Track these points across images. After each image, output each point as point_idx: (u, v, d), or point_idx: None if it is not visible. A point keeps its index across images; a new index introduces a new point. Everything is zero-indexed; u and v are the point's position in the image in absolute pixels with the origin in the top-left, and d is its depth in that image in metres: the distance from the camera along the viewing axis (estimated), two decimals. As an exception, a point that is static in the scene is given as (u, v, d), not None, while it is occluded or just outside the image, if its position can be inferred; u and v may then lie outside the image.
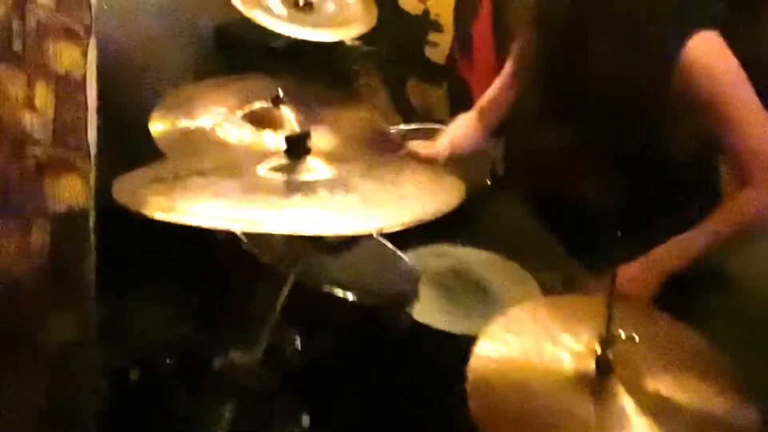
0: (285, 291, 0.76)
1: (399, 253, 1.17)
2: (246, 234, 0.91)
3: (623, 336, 0.78)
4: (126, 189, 0.70)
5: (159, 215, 0.64)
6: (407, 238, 1.36)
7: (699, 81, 1.06)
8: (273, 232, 0.67)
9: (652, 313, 0.89)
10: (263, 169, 0.79)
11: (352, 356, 0.97)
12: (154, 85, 1.54)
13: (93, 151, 1.03)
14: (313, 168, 0.79)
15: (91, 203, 0.98)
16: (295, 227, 0.64)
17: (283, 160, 0.80)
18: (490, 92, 1.45)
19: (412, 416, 1.01)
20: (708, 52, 1.08)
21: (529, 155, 1.42)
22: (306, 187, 0.73)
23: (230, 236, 0.92)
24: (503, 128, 1.59)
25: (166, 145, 1.27)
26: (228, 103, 1.49)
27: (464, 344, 0.88)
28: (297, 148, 0.78)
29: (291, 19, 1.64)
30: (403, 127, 1.81)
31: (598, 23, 1.13)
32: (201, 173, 0.75)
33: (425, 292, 1.19)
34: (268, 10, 1.64)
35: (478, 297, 1.21)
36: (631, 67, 1.11)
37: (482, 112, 1.45)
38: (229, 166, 0.83)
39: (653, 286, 1.04)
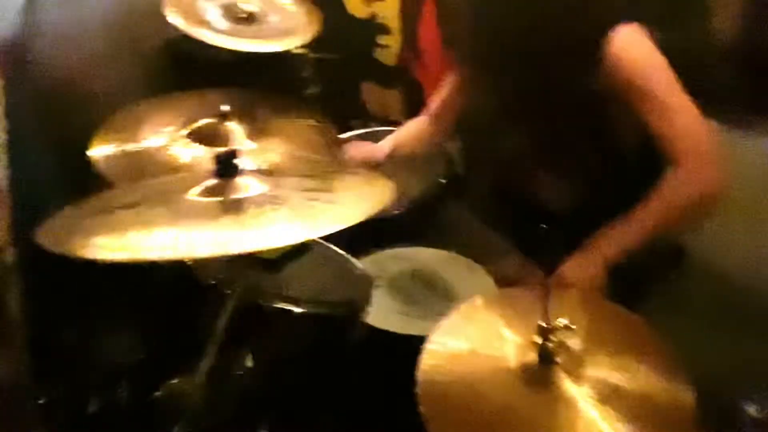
0: (226, 311, 0.76)
1: (352, 260, 1.17)
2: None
3: (562, 325, 0.79)
4: (49, 230, 0.70)
5: (84, 254, 0.63)
6: (365, 244, 1.38)
7: (624, 71, 1.10)
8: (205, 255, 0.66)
9: (590, 300, 0.91)
10: (195, 193, 0.79)
11: (307, 368, 0.97)
12: (99, 108, 1.52)
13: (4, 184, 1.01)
14: (245, 186, 0.79)
15: (7, 238, 0.95)
16: (221, 248, 0.64)
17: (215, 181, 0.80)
18: (440, 96, 1.46)
19: (372, 422, 1.01)
20: (630, 43, 1.11)
21: (485, 154, 1.44)
22: (234, 207, 0.73)
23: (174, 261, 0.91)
24: (460, 128, 1.62)
25: (109, 171, 1.25)
26: (175, 121, 1.48)
27: (420, 345, 0.89)
28: (226, 167, 0.78)
29: (233, 33, 1.63)
30: (355, 132, 1.82)
31: (528, 27, 1.15)
32: (127, 206, 0.75)
33: (381, 297, 1.20)
34: (208, 24, 1.63)
35: (435, 296, 1.22)
36: (563, 65, 1.14)
37: (433, 117, 1.47)
38: (160, 193, 0.82)
39: (598, 275, 1.07)
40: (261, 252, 0.80)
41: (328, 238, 1.19)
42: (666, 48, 1.12)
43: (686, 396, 0.75)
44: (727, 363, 1.20)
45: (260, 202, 0.73)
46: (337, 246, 1.19)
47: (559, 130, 1.20)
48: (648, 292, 1.28)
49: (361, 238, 1.43)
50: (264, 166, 1.33)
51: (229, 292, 0.78)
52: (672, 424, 0.72)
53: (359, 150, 1.41)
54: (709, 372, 0.91)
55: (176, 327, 0.96)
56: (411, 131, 1.47)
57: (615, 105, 1.14)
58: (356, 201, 0.77)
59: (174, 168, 1.31)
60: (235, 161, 0.79)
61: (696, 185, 1.07)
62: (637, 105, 1.11)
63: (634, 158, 1.21)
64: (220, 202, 0.75)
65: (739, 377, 1.16)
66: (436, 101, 1.47)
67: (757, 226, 1.39)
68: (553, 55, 1.14)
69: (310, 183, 0.85)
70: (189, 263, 0.91)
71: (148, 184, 0.92)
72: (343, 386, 1.02)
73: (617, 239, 1.08)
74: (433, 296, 1.22)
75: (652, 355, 0.81)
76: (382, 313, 1.13)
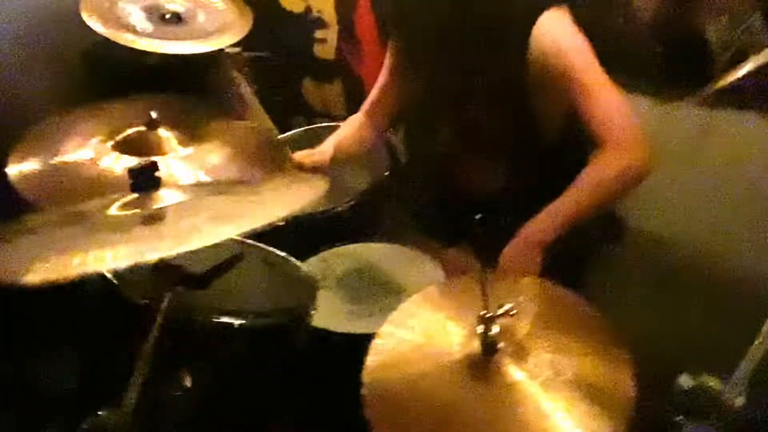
0: (153, 332, 0.72)
1: (295, 262, 1.14)
2: (115, 275, 0.86)
3: (501, 312, 0.79)
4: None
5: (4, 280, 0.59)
6: (312, 243, 1.35)
7: (550, 54, 1.11)
8: (130, 269, 0.62)
9: (531, 283, 0.91)
10: (114, 207, 0.74)
11: (253, 382, 0.94)
12: (16, 122, 1.42)
13: None
14: (165, 197, 0.75)
15: None
16: (136, 257, 0.60)
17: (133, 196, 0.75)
18: (374, 92, 1.45)
19: (325, 428, 1.00)
20: (556, 27, 1.13)
21: (423, 143, 1.44)
22: (152, 218, 0.70)
23: (100, 281, 0.86)
24: (401, 117, 1.61)
25: (28, 190, 1.17)
26: (101, 132, 1.40)
27: (368, 344, 0.87)
28: (143, 181, 0.73)
29: (159, 34, 1.57)
30: (297, 130, 1.78)
31: (458, 17, 1.15)
32: (30, 231, 0.70)
33: (328, 297, 1.18)
34: (131, 27, 1.55)
35: (383, 292, 1.21)
36: (493, 53, 1.15)
37: (369, 114, 1.46)
38: (74, 212, 0.77)
39: (534, 260, 1.08)
40: (188, 267, 0.76)
41: (271, 241, 1.17)
42: (589, 26, 1.13)
43: (627, 374, 0.76)
44: (666, 332, 1.24)
45: (181, 210, 0.70)
46: (282, 248, 1.16)
47: (489, 116, 1.20)
48: (590, 267, 1.31)
49: (307, 238, 1.42)
50: (199, 173, 1.28)
51: (157, 311, 0.74)
52: (614, 401, 0.73)
53: (304, 156, 1.38)
54: (649, 342, 0.93)
55: (109, 352, 0.91)
56: (350, 131, 1.45)
57: (543, 89, 1.15)
58: (282, 198, 0.74)
59: (101, 182, 1.25)
60: (156, 174, 0.75)
61: (622, 163, 1.09)
62: (562, 88, 1.12)
63: (563, 142, 1.23)
64: (139, 214, 0.71)
65: (677, 346, 1.20)
66: (370, 98, 1.46)
67: (688, 195, 1.44)
68: (482, 41, 1.14)
69: (235, 187, 0.81)
70: (116, 283, 0.87)
71: (67, 203, 0.86)
72: (293, 396, 1.00)
73: (550, 222, 1.09)
74: (380, 292, 1.21)
75: (593, 334, 0.82)
76: (329, 315, 1.11)
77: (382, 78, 1.43)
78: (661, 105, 1.34)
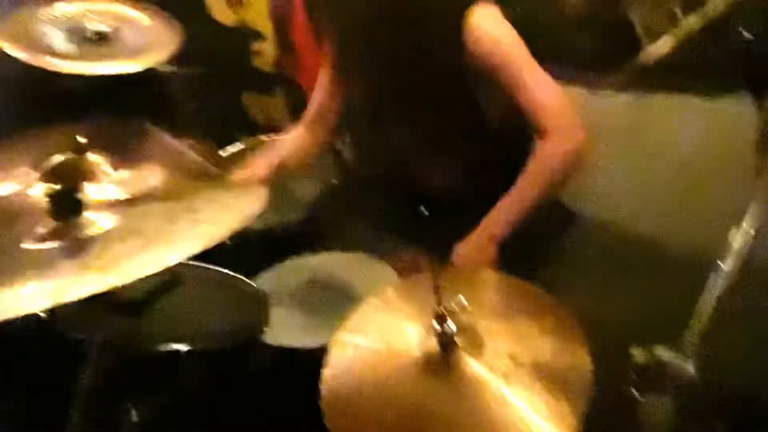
0: (89, 367, 0.67)
1: (244, 279, 1.10)
2: (47, 311, 0.80)
3: (455, 307, 0.78)
4: None
5: None
6: (263, 259, 1.31)
7: (484, 48, 1.13)
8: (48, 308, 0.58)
9: (484, 274, 0.91)
10: (33, 239, 0.69)
11: (207, 408, 0.89)
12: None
13: None
14: (92, 222, 0.70)
15: None
16: (58, 298, 0.56)
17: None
18: (312, 106, 1.43)
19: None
20: (487, 20, 1.14)
21: (372, 149, 1.43)
22: (75, 248, 0.65)
23: (31, 320, 0.80)
24: (346, 123, 1.59)
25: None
26: (23, 162, 1.32)
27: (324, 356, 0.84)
28: (62, 206, 0.68)
29: (83, 56, 1.50)
30: (236, 146, 1.74)
31: (388, 17, 1.15)
32: None
33: (281, 312, 1.14)
34: (50, 50, 1.48)
35: (338, 302, 1.18)
36: (428, 51, 1.15)
37: (309, 126, 1.43)
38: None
39: (489, 254, 1.09)
40: (119, 294, 0.71)
41: (219, 259, 1.12)
42: (520, 19, 1.15)
43: (584, 355, 0.76)
44: (619, 311, 1.27)
45: (107, 237, 0.65)
46: (232, 266, 1.12)
47: (435, 117, 1.21)
48: (542, 253, 1.33)
49: (258, 253, 1.38)
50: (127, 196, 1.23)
51: (91, 344, 0.69)
52: (573, 383, 0.73)
53: (244, 175, 1.35)
54: (604, 324, 0.94)
55: (46, 393, 0.85)
56: (292, 144, 1.42)
57: (482, 81, 1.16)
58: (222, 217, 0.71)
59: (30, 214, 1.18)
60: (77, 197, 0.70)
61: (563, 149, 1.11)
62: (500, 80, 1.14)
63: (508, 132, 1.24)
64: (60, 246, 0.66)
65: (629, 323, 1.23)
66: (309, 111, 1.44)
67: (627, 178, 1.48)
68: (417, 38, 1.14)
69: (171, 205, 0.77)
70: (47, 319, 0.81)
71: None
72: (253, 419, 0.95)
73: (503, 217, 1.11)
74: (336, 302, 1.18)
75: (548, 319, 0.82)
76: (285, 330, 1.07)
77: (319, 90, 1.42)
78: (594, 93, 1.38)
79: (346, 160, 1.67)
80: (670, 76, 1.33)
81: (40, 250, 0.67)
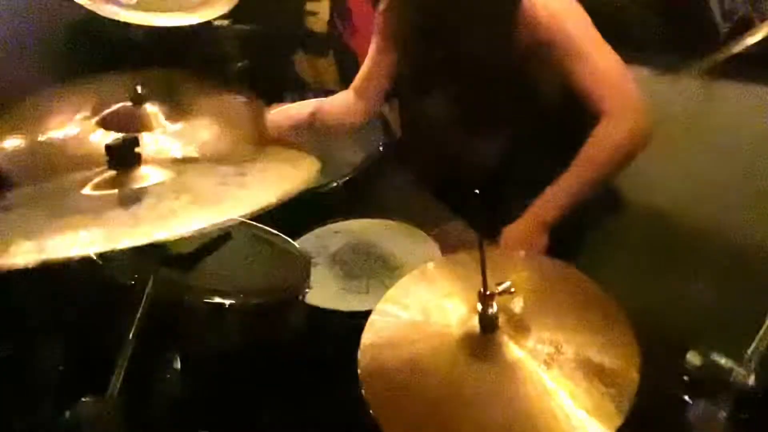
0: (138, 314, 0.69)
1: (288, 240, 1.11)
2: (100, 256, 0.83)
3: (500, 289, 0.76)
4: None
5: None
6: (306, 220, 1.32)
7: (542, 21, 1.08)
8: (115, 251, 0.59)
9: (530, 259, 0.88)
10: (89, 186, 0.71)
11: (245, 362, 0.92)
12: (1, 98, 1.38)
13: None
14: (146, 175, 0.71)
15: None
16: (107, 244, 0.57)
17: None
18: (363, 70, 1.42)
19: (322, 406, 0.98)
20: (555, 2, 1.08)
21: (419, 120, 1.40)
22: (129, 198, 0.66)
23: (85, 261, 0.83)
24: (394, 92, 1.56)
25: (12, 167, 1.14)
26: (85, 108, 1.36)
27: (363, 322, 0.85)
28: (121, 157, 0.70)
29: (143, 6, 1.51)
30: (288, 104, 1.73)
31: None
32: (4, 209, 0.66)
33: (323, 274, 1.15)
34: (115, 0, 1.50)
35: (378, 268, 1.18)
36: (484, 24, 1.11)
37: (358, 91, 1.42)
38: (54, 189, 0.74)
39: (539, 240, 1.07)
40: (172, 246, 0.73)
41: (264, 218, 1.14)
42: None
43: (632, 350, 0.73)
44: (672, 308, 1.22)
45: (161, 191, 0.66)
46: (275, 225, 1.13)
47: (483, 92, 1.17)
48: (588, 239, 1.29)
49: (301, 214, 1.38)
50: (188, 149, 1.24)
51: (141, 292, 0.71)
52: (618, 379, 0.71)
53: (281, 115, 1.34)
54: (655, 318, 0.91)
55: (96, 334, 0.88)
56: (337, 103, 1.41)
57: (537, 60, 1.12)
58: (271, 183, 0.70)
59: (87, 159, 1.21)
60: (137, 150, 0.71)
61: (623, 134, 1.06)
62: (558, 59, 1.09)
63: (562, 114, 1.19)
64: (117, 194, 0.67)
65: (683, 322, 1.18)
66: (359, 76, 1.42)
67: (691, 167, 1.40)
68: (473, 15, 1.09)
69: (223, 167, 0.77)
70: (101, 264, 0.83)
71: (44, 180, 0.82)
72: (287, 376, 0.97)
73: (555, 201, 1.08)
74: (376, 269, 1.18)
75: (595, 310, 0.80)
76: (324, 292, 1.08)
77: (370, 56, 1.40)
78: (662, 77, 1.30)
79: (391, 129, 1.65)
80: (738, 63, 1.24)
81: (97, 197, 0.69)
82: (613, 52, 1.08)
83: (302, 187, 0.72)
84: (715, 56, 0.97)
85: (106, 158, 0.71)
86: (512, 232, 1.08)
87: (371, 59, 1.39)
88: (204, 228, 0.60)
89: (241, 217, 0.65)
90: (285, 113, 1.38)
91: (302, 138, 1.36)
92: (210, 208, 0.64)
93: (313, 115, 1.36)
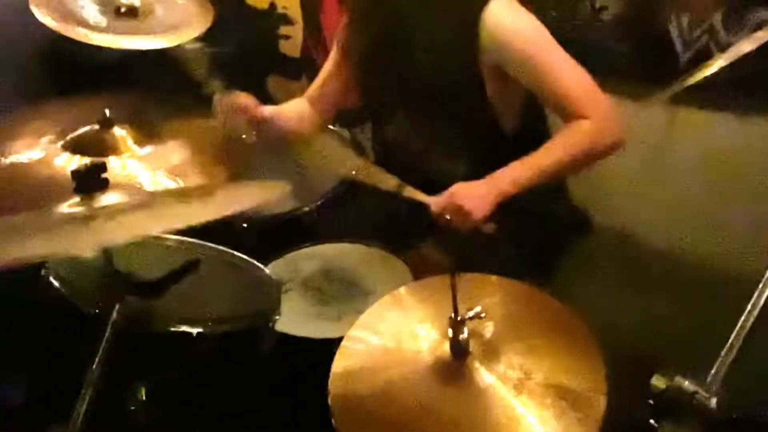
0: (103, 344, 0.67)
1: (258, 265, 1.10)
2: (63, 284, 0.81)
3: (471, 315, 0.77)
4: None
5: None
6: (278, 245, 1.31)
7: (506, 39, 1.08)
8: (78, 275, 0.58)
9: (502, 283, 0.89)
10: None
11: (213, 392, 0.90)
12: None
13: None
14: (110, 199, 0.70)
15: None
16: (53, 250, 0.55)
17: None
18: (317, 79, 1.42)
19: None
20: (507, 12, 1.10)
21: (388, 142, 1.41)
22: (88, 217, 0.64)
23: (49, 289, 0.81)
24: (364, 115, 1.58)
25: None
26: (51, 131, 1.33)
27: (334, 349, 0.84)
28: (87, 183, 0.68)
29: (114, 29, 1.50)
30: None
31: (408, 12, 1.12)
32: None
33: (295, 300, 1.14)
34: (84, 22, 1.48)
35: (350, 294, 1.18)
36: (444, 44, 1.11)
37: (311, 100, 1.42)
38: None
39: (490, 204, 1.04)
40: (137, 275, 0.71)
41: (236, 243, 1.12)
42: (554, 25, 1.12)
43: (599, 375, 0.74)
44: (639, 328, 1.25)
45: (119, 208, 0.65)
46: (247, 250, 1.12)
47: (445, 114, 1.17)
48: (559, 262, 1.31)
49: (272, 239, 1.37)
50: (158, 172, 1.23)
51: (106, 321, 0.70)
52: (587, 403, 0.72)
53: (237, 101, 1.32)
54: (622, 340, 0.92)
55: (59, 365, 0.85)
56: (293, 108, 1.41)
57: (498, 79, 1.12)
58: (232, 197, 0.70)
59: (52, 183, 1.18)
60: (103, 175, 0.70)
61: (601, 135, 1.07)
62: (527, 75, 1.09)
63: (522, 132, 1.20)
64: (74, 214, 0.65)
65: (650, 343, 1.20)
66: (313, 84, 1.42)
67: (656, 190, 1.45)
68: (435, 38, 1.11)
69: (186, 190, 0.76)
70: (66, 293, 0.81)
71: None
72: (259, 404, 0.95)
73: (514, 175, 1.06)
74: (348, 293, 1.17)
75: (564, 334, 0.80)
76: (295, 318, 1.07)
77: (326, 67, 1.39)
78: (626, 102, 1.35)
79: (364, 151, 1.66)
80: (707, 91, 1.30)
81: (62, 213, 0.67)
82: (575, 61, 1.09)
83: (274, 204, 0.71)
84: (675, 84, 1.01)
85: (73, 183, 0.70)
86: (464, 188, 1.05)
87: (326, 71, 1.39)
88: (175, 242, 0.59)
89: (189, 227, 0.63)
90: (244, 103, 1.33)
91: (249, 136, 1.34)
92: (156, 218, 0.63)
93: (269, 119, 1.34)
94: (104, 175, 0.71)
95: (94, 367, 0.66)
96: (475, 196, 1.04)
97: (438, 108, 1.17)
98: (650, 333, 1.25)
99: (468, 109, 1.16)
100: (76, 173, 0.68)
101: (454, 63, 1.12)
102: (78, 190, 0.69)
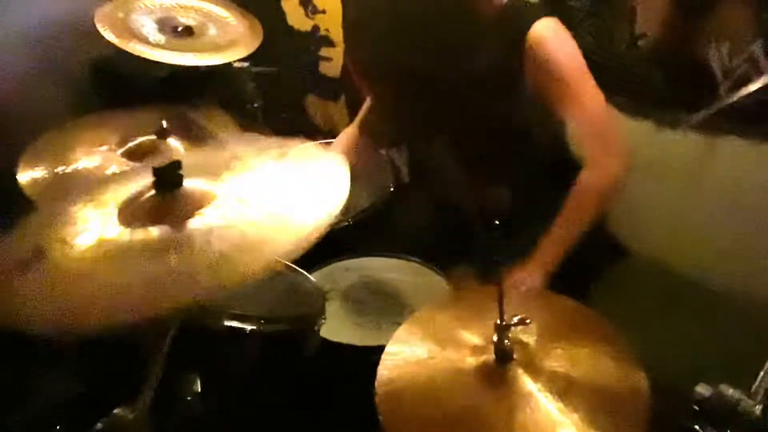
0: (168, 334, 0.72)
1: (304, 273, 1.14)
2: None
3: (516, 321, 0.80)
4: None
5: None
6: (316, 256, 1.35)
7: (543, 58, 1.11)
8: None
9: (543, 295, 0.92)
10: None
11: (261, 388, 0.93)
12: (26, 129, 1.43)
13: None
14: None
15: None
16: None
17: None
18: (363, 110, 1.46)
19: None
20: (550, 33, 1.13)
21: (426, 163, 1.44)
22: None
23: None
24: (403, 136, 1.62)
25: (38, 196, 1.18)
26: (109, 140, 1.41)
27: (376, 356, 0.87)
28: (167, 179, 0.74)
29: (170, 47, 1.59)
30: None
31: (434, 42, 1.10)
32: (63, 241, 0.69)
33: (335, 309, 1.17)
34: (144, 39, 1.58)
35: (389, 305, 1.21)
36: (490, 70, 1.13)
37: (362, 126, 1.46)
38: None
39: (543, 286, 1.09)
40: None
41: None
42: (591, 50, 1.15)
43: (641, 383, 0.76)
44: (678, 352, 1.25)
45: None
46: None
47: (483, 140, 1.21)
48: (591, 288, 1.32)
49: (312, 251, 1.41)
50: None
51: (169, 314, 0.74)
52: (628, 411, 0.73)
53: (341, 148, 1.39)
54: (662, 361, 0.93)
55: (117, 355, 0.90)
56: (345, 141, 1.45)
57: (535, 105, 1.16)
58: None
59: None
60: (179, 172, 0.75)
61: (605, 181, 1.12)
62: (554, 97, 1.12)
63: (555, 157, 1.23)
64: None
65: (687, 363, 1.20)
66: (360, 114, 1.46)
67: (690, 218, 1.45)
68: (479, 62, 1.12)
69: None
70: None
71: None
72: (299, 404, 0.98)
73: (552, 248, 1.11)
74: (386, 305, 1.20)
75: (605, 344, 0.82)
76: (337, 326, 1.10)
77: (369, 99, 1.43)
78: (662, 130, 1.37)
79: (401, 174, 1.70)
80: (739, 119, 1.31)
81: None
82: (600, 93, 1.12)
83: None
84: (710, 108, 1.03)
85: (152, 181, 0.75)
86: (515, 279, 1.09)
87: (370, 103, 1.43)
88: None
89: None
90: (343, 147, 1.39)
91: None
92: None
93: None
94: (180, 172, 0.75)
95: (159, 356, 0.70)
96: (531, 288, 1.08)
97: (477, 134, 1.21)
98: (687, 355, 1.25)
99: (507, 135, 1.19)
100: (157, 170, 0.73)
101: (501, 86, 1.14)
102: (157, 188, 0.74)
